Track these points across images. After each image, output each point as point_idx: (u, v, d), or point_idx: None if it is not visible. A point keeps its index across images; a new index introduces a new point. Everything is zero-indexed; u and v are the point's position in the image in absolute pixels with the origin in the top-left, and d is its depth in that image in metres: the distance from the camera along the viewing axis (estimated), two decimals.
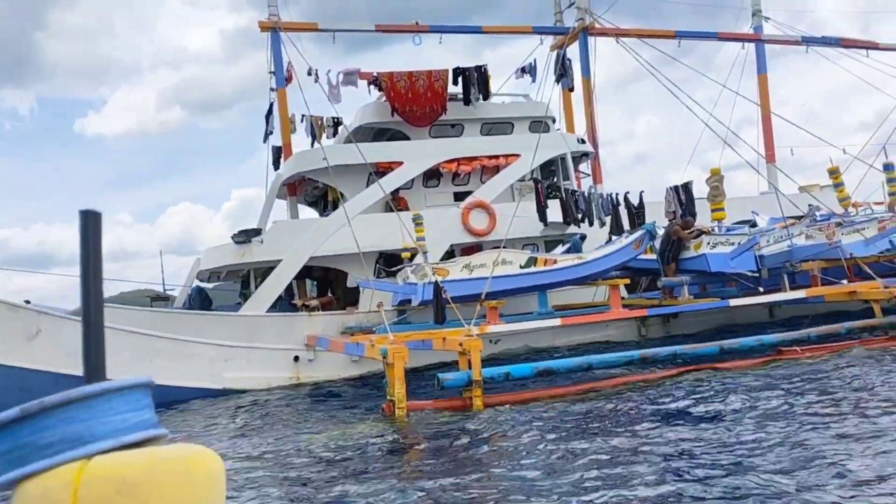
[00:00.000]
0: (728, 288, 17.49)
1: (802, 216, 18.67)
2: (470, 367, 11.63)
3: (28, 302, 16.69)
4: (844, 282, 15.45)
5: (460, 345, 11.95)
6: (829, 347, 13.06)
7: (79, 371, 1.55)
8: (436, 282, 13.91)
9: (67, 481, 1.26)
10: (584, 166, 22.14)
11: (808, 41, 24.67)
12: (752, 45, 24.56)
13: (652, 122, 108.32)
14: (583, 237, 17.99)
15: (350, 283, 19.88)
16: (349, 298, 19.15)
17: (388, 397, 11.40)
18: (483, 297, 13.85)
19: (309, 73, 18.81)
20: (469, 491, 7.04)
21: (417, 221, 15.56)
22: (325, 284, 20.36)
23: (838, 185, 17.44)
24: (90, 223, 1.46)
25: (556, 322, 14.83)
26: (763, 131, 24.13)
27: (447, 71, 19.43)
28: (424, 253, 15.58)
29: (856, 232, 16.53)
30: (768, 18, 24.72)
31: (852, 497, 5.83)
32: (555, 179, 20.45)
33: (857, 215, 18.62)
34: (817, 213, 18.56)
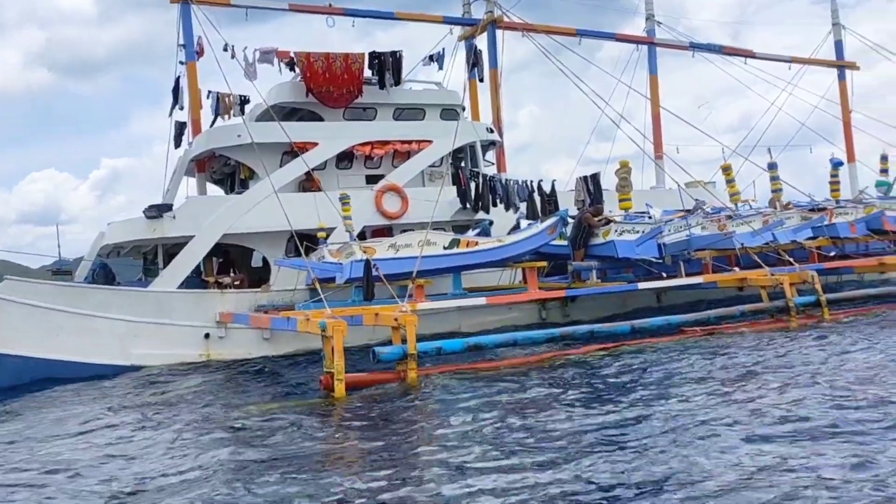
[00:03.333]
0: (625, 274, 18.55)
1: (691, 209, 20.06)
2: (404, 342, 12.04)
3: None
4: (736, 269, 16.79)
5: (395, 320, 12.33)
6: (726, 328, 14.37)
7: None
8: (367, 259, 14.16)
9: None
10: (490, 154, 22.80)
11: (694, 47, 26.44)
12: (644, 47, 26.03)
13: (534, 112, 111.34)
14: (490, 223, 18.66)
15: (257, 262, 19.83)
16: (254, 277, 19.12)
17: (326, 370, 11.62)
18: (414, 275, 14.23)
19: (225, 49, 18.56)
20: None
21: (345, 201, 15.74)
22: (227, 263, 20.14)
23: (730, 181, 18.88)
24: None
25: (482, 301, 15.38)
26: (653, 128, 25.61)
27: (364, 54, 19.60)
28: (350, 232, 15.77)
29: (744, 224, 17.96)
30: (660, 23, 26.24)
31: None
32: (462, 166, 21.00)
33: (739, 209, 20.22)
34: (703, 207, 20.00)
